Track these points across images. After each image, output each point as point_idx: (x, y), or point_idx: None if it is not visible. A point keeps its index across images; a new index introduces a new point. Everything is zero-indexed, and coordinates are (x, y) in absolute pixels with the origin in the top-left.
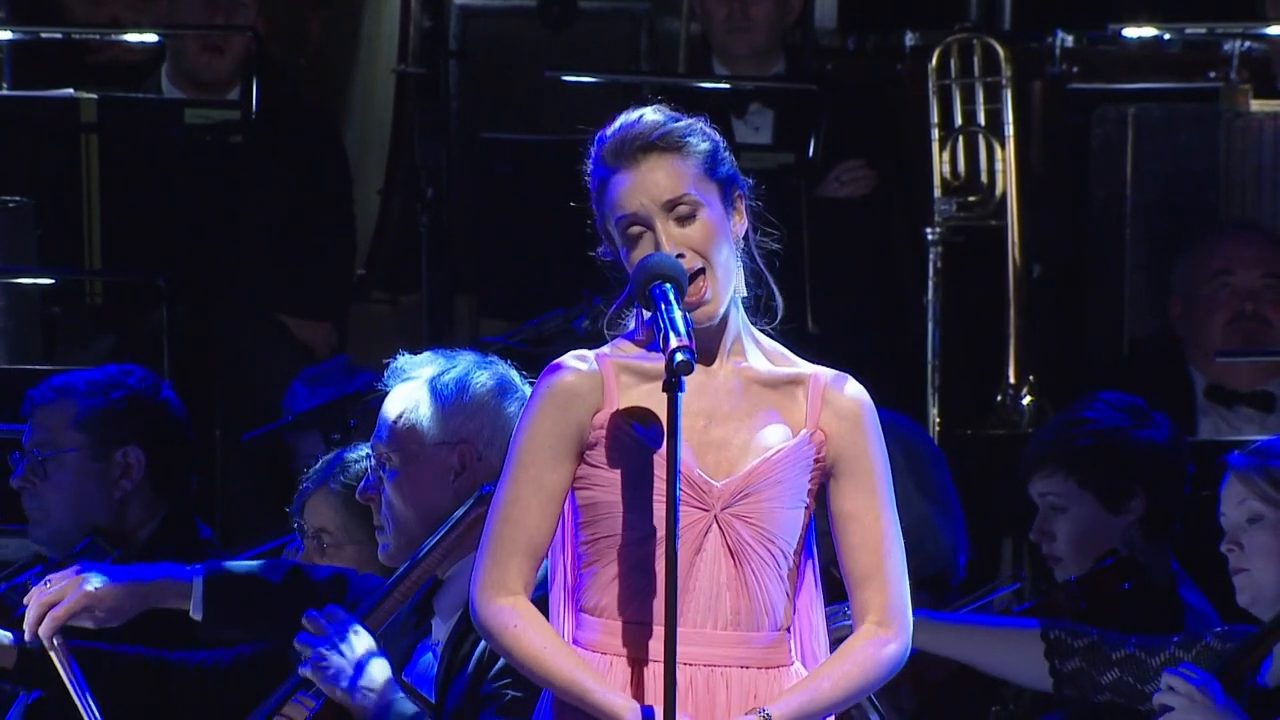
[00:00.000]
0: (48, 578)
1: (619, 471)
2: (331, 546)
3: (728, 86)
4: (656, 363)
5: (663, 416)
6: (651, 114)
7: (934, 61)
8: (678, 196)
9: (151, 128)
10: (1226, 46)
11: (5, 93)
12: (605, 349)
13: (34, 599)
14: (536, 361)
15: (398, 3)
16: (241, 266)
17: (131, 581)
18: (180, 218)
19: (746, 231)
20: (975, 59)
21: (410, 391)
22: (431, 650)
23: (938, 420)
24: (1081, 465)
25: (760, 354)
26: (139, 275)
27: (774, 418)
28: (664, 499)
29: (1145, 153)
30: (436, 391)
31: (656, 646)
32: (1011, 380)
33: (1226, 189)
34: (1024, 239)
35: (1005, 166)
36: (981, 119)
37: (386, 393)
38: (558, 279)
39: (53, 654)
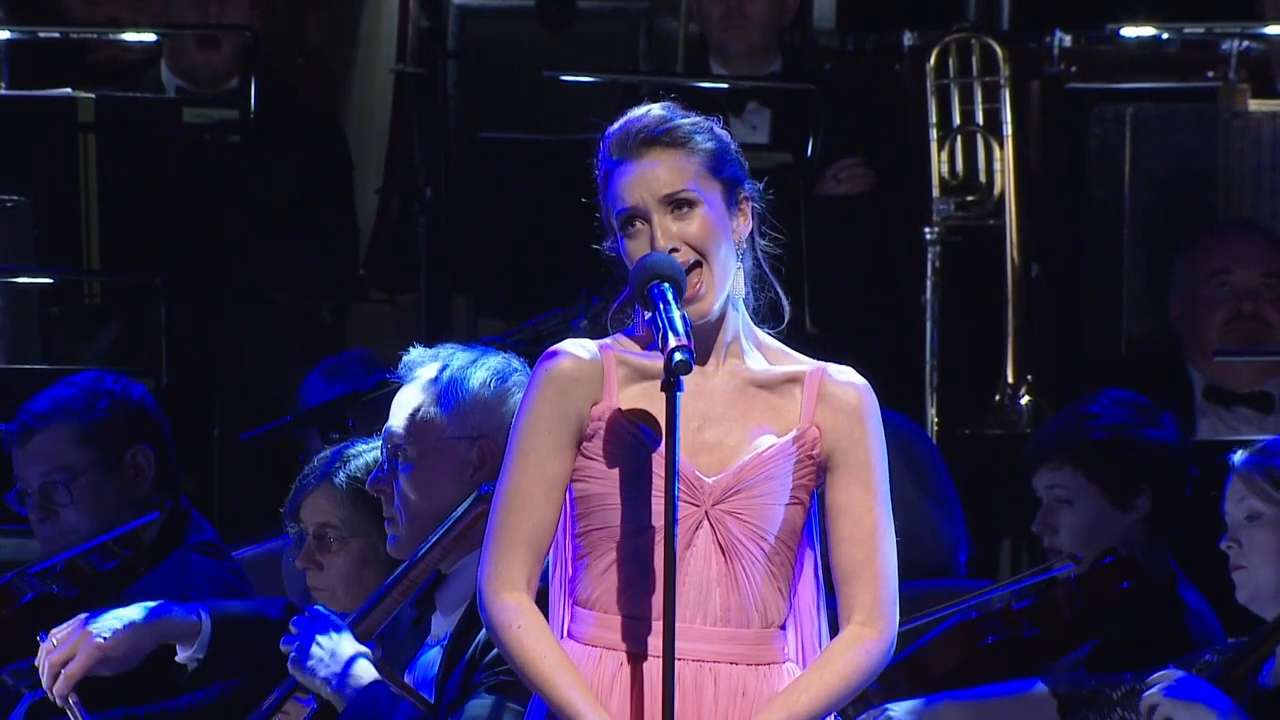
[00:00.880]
0: (53, 633)
1: (614, 465)
2: (337, 541)
3: (726, 86)
4: (655, 361)
5: (660, 415)
6: (659, 110)
7: (932, 61)
8: (676, 191)
9: (149, 127)
10: (1225, 46)
11: (3, 92)
12: (608, 340)
13: (44, 658)
14: (535, 361)
15: (396, 2)
16: (240, 266)
17: (137, 625)
18: (178, 217)
19: (752, 235)
20: (973, 59)
21: (428, 385)
22: (430, 647)
23: (936, 420)
24: (1092, 459)
25: (760, 356)
26: (137, 275)
27: (768, 422)
28: (658, 494)
29: (1144, 152)
30: (456, 385)
31: (650, 641)
32: (1010, 380)
33: (1225, 189)
34: (1022, 239)
35: (1003, 166)
36: (980, 119)
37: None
38: (556, 279)
39: (69, 712)
